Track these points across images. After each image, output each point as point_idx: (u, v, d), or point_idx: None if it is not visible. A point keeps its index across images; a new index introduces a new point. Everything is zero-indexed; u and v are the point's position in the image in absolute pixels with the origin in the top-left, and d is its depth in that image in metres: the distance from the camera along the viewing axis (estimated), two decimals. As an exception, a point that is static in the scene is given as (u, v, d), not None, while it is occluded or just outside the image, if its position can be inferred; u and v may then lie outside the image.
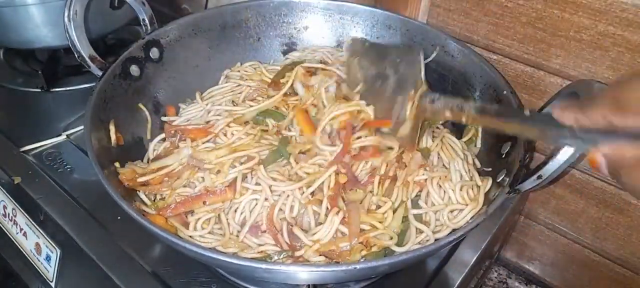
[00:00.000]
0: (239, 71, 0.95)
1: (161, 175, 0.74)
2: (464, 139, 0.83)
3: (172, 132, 0.81)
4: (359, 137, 0.73)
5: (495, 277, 1.05)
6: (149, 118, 0.85)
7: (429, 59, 0.90)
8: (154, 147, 0.82)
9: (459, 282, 0.75)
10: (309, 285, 0.67)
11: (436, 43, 0.89)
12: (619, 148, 0.43)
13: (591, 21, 0.75)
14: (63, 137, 0.96)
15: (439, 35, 0.89)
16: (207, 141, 0.79)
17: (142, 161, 0.80)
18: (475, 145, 0.83)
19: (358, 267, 0.54)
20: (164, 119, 0.87)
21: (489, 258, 0.88)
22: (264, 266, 0.54)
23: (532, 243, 1.03)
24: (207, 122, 0.83)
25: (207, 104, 0.87)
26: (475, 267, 0.79)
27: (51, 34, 1.01)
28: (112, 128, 0.76)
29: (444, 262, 0.78)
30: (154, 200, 0.74)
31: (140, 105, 0.84)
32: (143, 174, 0.74)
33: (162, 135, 0.83)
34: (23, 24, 0.99)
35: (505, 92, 0.76)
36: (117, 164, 0.73)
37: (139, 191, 0.74)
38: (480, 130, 0.82)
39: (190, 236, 0.69)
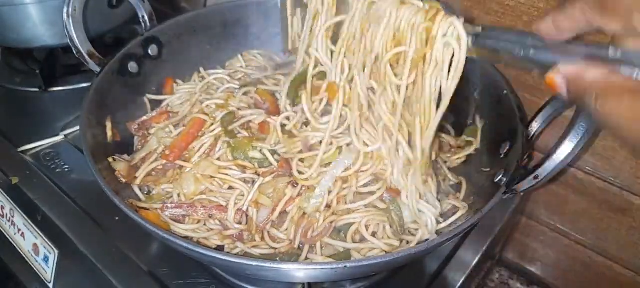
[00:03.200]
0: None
1: (153, 168, 0.75)
2: (464, 138, 0.82)
3: (136, 126, 0.82)
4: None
5: (497, 279, 1.05)
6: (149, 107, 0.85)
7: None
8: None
9: (460, 283, 0.75)
10: (303, 284, 0.67)
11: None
12: (579, 70, 0.39)
13: (593, 20, 0.75)
14: (61, 137, 0.95)
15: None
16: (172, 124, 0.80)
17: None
18: (475, 137, 0.82)
19: (348, 265, 0.54)
20: (149, 96, 0.87)
21: (491, 260, 0.88)
22: (254, 263, 0.54)
23: (533, 244, 1.03)
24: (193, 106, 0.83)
25: (200, 86, 0.87)
26: (476, 268, 0.79)
27: (49, 33, 1.01)
28: (108, 124, 0.76)
29: (445, 263, 0.77)
30: (148, 193, 0.74)
31: (145, 99, 0.85)
32: (137, 166, 0.75)
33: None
34: (21, 23, 0.99)
35: (505, 91, 0.75)
36: (110, 159, 0.73)
37: (134, 185, 0.74)
38: (480, 129, 0.82)
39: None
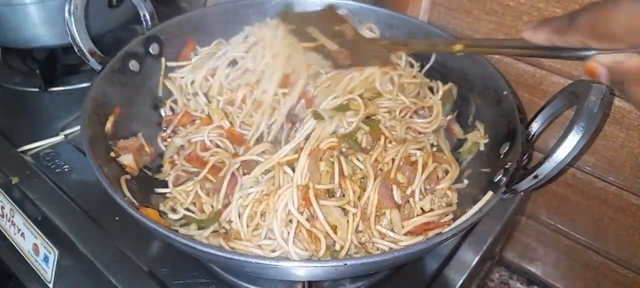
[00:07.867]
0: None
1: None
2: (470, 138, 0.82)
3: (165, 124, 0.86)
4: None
5: (497, 278, 1.05)
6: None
7: (431, 61, 0.89)
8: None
9: (460, 283, 0.75)
10: (303, 283, 0.67)
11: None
12: (618, 59, 0.43)
13: (593, 20, 0.75)
14: (61, 137, 0.95)
15: (440, 35, 0.88)
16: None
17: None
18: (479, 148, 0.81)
19: (348, 263, 0.53)
20: (169, 63, 0.88)
21: (491, 259, 0.88)
22: (254, 260, 0.54)
23: (533, 244, 1.03)
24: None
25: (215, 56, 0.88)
26: (476, 268, 0.79)
27: (49, 33, 1.01)
28: (110, 119, 0.76)
29: (445, 262, 0.77)
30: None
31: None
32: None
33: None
34: (21, 23, 0.99)
35: (505, 92, 0.75)
36: (113, 154, 0.73)
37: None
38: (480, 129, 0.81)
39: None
